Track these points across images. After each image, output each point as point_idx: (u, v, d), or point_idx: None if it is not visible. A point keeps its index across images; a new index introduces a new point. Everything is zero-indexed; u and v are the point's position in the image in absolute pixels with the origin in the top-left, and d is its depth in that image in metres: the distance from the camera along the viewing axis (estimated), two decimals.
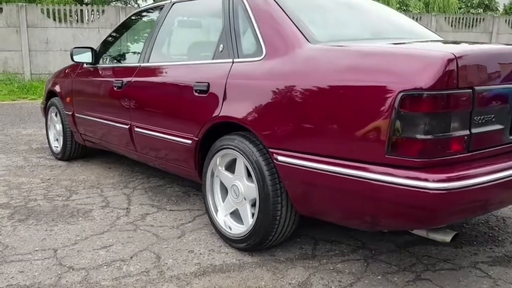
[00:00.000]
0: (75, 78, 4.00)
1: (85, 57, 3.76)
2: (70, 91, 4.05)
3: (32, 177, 3.89)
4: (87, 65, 3.88)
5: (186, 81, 2.65)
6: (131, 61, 3.53)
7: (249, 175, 2.31)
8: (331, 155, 1.88)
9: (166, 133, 2.79)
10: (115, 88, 3.32)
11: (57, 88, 4.32)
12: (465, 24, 14.27)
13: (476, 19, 14.66)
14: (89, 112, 3.78)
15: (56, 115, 4.45)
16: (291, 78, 2.05)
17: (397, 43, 2.16)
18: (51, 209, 3.06)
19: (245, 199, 2.34)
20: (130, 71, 3.24)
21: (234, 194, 2.40)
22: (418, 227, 1.86)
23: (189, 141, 2.62)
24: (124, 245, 2.47)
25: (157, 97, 2.88)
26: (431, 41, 2.53)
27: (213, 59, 2.58)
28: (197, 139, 2.55)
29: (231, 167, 2.45)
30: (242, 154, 2.27)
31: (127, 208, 3.07)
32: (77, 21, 11.57)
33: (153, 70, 3.05)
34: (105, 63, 3.77)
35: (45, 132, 4.89)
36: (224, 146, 2.38)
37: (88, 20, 11.80)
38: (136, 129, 3.11)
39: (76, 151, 4.36)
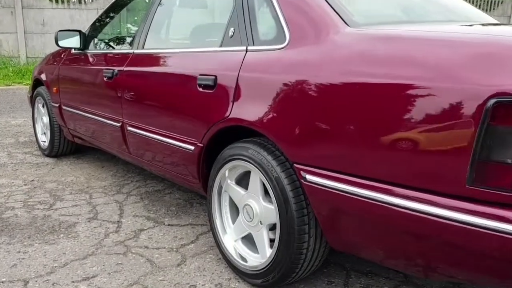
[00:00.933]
0: (62, 66, 3.50)
1: (73, 42, 3.25)
2: (57, 80, 3.56)
3: (14, 177, 3.43)
4: (75, 51, 3.38)
5: (188, 72, 2.14)
6: (124, 47, 3.03)
7: (266, 192, 1.84)
8: (382, 180, 1.39)
9: (164, 135, 2.31)
10: (105, 79, 2.82)
11: (43, 76, 3.82)
12: (483, 7, 13.62)
13: (495, 1, 14.00)
14: (77, 105, 3.29)
15: (43, 107, 3.96)
16: (324, 73, 1.55)
17: (469, 28, 1.66)
18: (29, 221, 2.60)
19: (261, 223, 1.87)
20: (122, 58, 2.75)
21: (247, 216, 1.92)
22: (497, 284, 1.35)
23: (191, 147, 2.13)
24: (111, 275, 2.01)
25: (153, 92, 2.39)
26: (496, 24, 2.02)
27: (221, 46, 2.08)
28: (201, 145, 2.07)
29: (243, 180, 1.97)
30: (258, 168, 1.79)
31: (118, 221, 2.60)
32: (75, 2, 11.00)
33: (148, 58, 2.55)
34: (96, 48, 3.26)
35: None
36: (235, 157, 1.89)
37: (86, 1, 11.23)
38: (129, 128, 2.63)
39: (65, 147, 3.89)
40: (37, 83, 4.03)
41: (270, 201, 1.79)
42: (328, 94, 1.51)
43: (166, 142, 2.30)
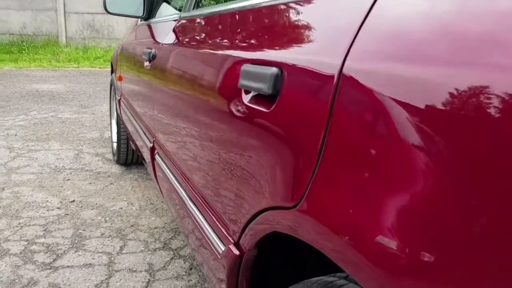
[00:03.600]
0: (125, 43, 2.46)
1: (132, 7, 2.16)
2: (120, 63, 2.54)
3: (55, 193, 2.51)
4: (141, 22, 2.30)
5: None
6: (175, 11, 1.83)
7: None
8: None
9: (188, 201, 1.07)
10: (145, 64, 1.67)
11: (114, 59, 2.85)
12: None
13: None
14: (130, 99, 2.22)
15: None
16: None
17: None
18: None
19: None
20: (166, 29, 1.55)
21: None
22: None
23: (221, 247, 0.85)
24: None
25: (189, 94, 1.14)
26: None
27: None
28: (239, 253, 0.77)
29: None
30: None
31: None
32: None
33: (197, 25, 1.29)
34: (161, 15, 2.13)
35: None
36: None
37: None
38: (157, 157, 1.43)
39: (134, 154, 2.88)
40: (112, 68, 3.09)
41: None
42: None
43: (192, 216, 1.06)
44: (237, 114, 0.78)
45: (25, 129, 3.85)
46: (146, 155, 1.68)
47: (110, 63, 3.35)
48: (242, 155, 0.76)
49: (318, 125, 0.55)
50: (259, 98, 0.71)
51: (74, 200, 2.43)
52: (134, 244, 1.97)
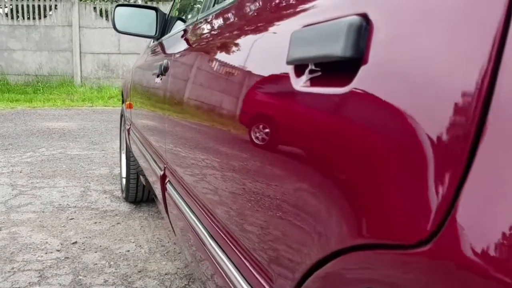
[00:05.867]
0: (136, 67, 2.26)
1: (143, 26, 1.97)
2: (129, 90, 2.33)
3: (56, 233, 2.26)
4: (153, 42, 2.10)
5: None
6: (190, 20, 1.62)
7: None
8: None
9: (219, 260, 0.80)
10: (156, 81, 1.44)
11: (124, 88, 2.66)
12: None
13: None
14: (139, 124, 1.99)
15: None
16: None
17: None
18: None
19: None
20: (179, 38, 1.34)
21: None
22: None
23: None
24: None
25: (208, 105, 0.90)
26: None
27: None
28: None
29: None
30: None
31: None
32: None
33: (215, 22, 1.06)
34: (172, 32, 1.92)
35: None
36: None
37: None
38: (169, 186, 1.17)
39: (145, 190, 2.63)
40: (123, 97, 2.89)
41: None
42: None
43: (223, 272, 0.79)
44: (287, 106, 0.53)
45: (31, 165, 3.64)
46: (156, 185, 1.43)
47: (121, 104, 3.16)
48: (297, 169, 0.50)
49: (466, 108, 0.30)
50: (322, 76, 0.46)
51: (76, 242, 2.17)
52: None
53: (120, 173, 2.99)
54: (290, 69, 0.52)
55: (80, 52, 9.63)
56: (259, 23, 0.73)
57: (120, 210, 2.64)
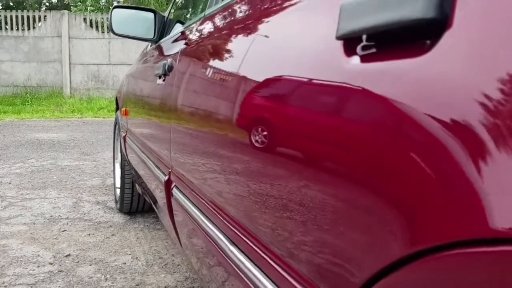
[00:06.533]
0: (132, 72, 2.19)
1: (141, 29, 1.90)
2: (125, 95, 2.25)
3: (48, 246, 2.16)
4: (151, 46, 2.03)
5: None
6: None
7: None
8: None
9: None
10: (157, 82, 1.37)
11: (119, 92, 2.58)
12: None
13: None
14: (138, 130, 1.91)
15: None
16: None
17: None
18: None
19: None
20: (180, 39, 1.28)
21: None
22: None
23: None
24: None
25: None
26: None
27: None
28: None
29: None
30: None
31: None
32: None
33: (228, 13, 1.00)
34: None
35: None
36: None
37: None
38: (175, 192, 1.09)
39: (139, 201, 2.54)
40: (117, 104, 2.81)
41: None
42: None
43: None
44: (339, 84, 0.46)
45: (20, 176, 3.53)
46: (158, 192, 1.35)
47: (114, 113, 3.08)
48: (356, 164, 0.43)
49: None
50: (385, 49, 0.40)
51: (69, 254, 2.07)
52: None
53: (114, 183, 2.89)
54: (338, 46, 0.46)
55: (70, 63, 9.52)
56: (274, 8, 0.67)
57: (114, 221, 2.54)
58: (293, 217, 0.54)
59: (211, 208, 0.84)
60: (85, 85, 9.67)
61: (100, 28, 9.57)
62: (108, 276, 1.86)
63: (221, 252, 0.75)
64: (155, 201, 1.59)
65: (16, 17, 9.47)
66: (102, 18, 9.72)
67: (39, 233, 2.34)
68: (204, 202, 0.88)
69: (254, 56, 0.72)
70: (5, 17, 9.48)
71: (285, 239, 0.57)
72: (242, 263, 0.67)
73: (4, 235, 2.29)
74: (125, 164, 2.45)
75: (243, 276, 0.66)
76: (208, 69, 0.97)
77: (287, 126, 0.56)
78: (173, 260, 2.02)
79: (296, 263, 0.54)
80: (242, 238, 0.69)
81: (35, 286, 1.75)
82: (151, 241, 2.25)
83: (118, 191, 2.73)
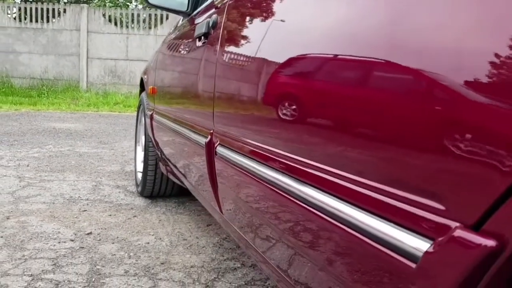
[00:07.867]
0: (163, 48, 2.13)
1: (173, 1, 1.84)
2: (154, 73, 2.19)
3: (68, 224, 2.10)
4: (183, 21, 1.97)
5: None
6: None
7: None
8: None
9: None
10: (197, 44, 1.30)
11: (145, 73, 2.52)
12: None
13: None
14: (170, 102, 1.84)
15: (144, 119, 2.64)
16: None
17: None
18: None
19: None
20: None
21: None
22: None
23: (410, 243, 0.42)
24: None
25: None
26: None
27: None
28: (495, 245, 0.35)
29: None
30: None
31: None
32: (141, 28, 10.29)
33: None
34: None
35: None
36: None
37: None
38: (219, 149, 1.02)
39: (162, 185, 2.48)
40: (142, 87, 2.75)
41: None
42: None
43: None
44: None
45: (38, 160, 3.48)
46: (197, 157, 1.27)
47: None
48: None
49: None
50: None
51: (91, 233, 2.01)
52: (167, 285, 1.52)
53: (135, 166, 2.83)
54: None
55: (87, 57, 9.53)
56: None
57: (135, 204, 2.48)
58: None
59: (266, 154, 0.77)
60: (102, 79, 9.67)
61: (118, 23, 9.57)
62: (131, 254, 1.79)
63: (287, 194, 0.67)
64: (188, 174, 1.52)
65: (36, 9, 9.51)
66: (121, 14, 9.73)
67: (58, 211, 2.28)
68: (257, 151, 0.81)
69: (314, 10, 0.65)
70: (25, 9, 9.53)
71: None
72: (318, 199, 0.59)
73: (23, 212, 2.23)
74: (149, 146, 2.39)
75: (318, 212, 0.59)
76: (260, 19, 0.90)
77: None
78: (197, 242, 1.95)
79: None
80: (307, 172, 0.62)
81: (57, 261, 1.69)
82: (174, 224, 2.18)
83: (139, 175, 2.67)
